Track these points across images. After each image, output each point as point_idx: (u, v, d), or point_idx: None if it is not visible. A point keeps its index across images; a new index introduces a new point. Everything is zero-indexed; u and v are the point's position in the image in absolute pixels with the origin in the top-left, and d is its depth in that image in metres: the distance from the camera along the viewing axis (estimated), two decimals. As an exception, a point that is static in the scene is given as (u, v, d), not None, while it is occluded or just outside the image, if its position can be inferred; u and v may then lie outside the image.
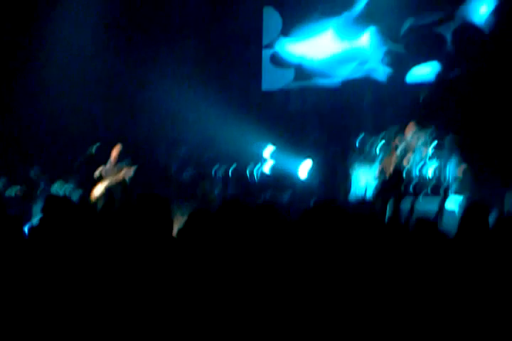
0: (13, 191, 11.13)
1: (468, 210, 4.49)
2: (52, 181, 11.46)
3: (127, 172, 10.42)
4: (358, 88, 12.41)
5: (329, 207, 4.09)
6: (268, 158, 12.29)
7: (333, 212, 4.09)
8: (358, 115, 12.01)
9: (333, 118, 12.29)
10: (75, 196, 10.74)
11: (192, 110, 12.41)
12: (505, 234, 4.11)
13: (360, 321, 3.40)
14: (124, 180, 10.48)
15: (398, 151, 10.35)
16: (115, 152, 10.63)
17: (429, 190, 10.27)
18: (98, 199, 10.52)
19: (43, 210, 4.45)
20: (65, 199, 4.55)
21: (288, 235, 3.93)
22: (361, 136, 11.22)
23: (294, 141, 12.33)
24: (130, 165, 10.53)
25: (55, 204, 4.37)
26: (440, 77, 11.72)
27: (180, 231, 3.81)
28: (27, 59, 12.99)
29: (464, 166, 10.30)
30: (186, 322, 3.27)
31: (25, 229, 5.01)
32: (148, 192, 3.83)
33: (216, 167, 12.30)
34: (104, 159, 10.81)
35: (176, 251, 3.58)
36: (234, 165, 12.15)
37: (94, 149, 10.96)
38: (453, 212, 9.73)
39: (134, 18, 13.24)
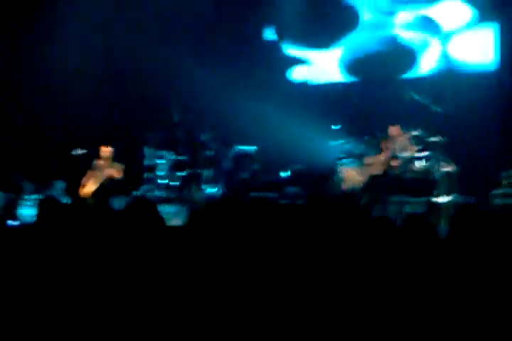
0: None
1: (458, 211, 4.51)
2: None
3: (118, 171, 10.56)
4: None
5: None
6: None
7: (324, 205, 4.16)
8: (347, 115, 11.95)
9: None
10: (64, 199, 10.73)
11: None
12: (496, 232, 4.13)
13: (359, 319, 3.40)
14: (114, 177, 10.56)
15: (387, 151, 10.39)
16: (107, 151, 10.76)
17: (416, 190, 10.30)
18: (90, 195, 10.58)
19: (37, 214, 4.45)
20: (57, 201, 4.55)
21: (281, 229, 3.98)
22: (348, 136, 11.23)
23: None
24: (120, 164, 10.68)
25: (48, 207, 4.37)
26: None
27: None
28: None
29: (450, 166, 10.36)
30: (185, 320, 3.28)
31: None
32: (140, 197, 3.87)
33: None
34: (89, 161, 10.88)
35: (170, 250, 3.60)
36: None
37: (79, 151, 11.02)
38: (440, 211, 9.78)
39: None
